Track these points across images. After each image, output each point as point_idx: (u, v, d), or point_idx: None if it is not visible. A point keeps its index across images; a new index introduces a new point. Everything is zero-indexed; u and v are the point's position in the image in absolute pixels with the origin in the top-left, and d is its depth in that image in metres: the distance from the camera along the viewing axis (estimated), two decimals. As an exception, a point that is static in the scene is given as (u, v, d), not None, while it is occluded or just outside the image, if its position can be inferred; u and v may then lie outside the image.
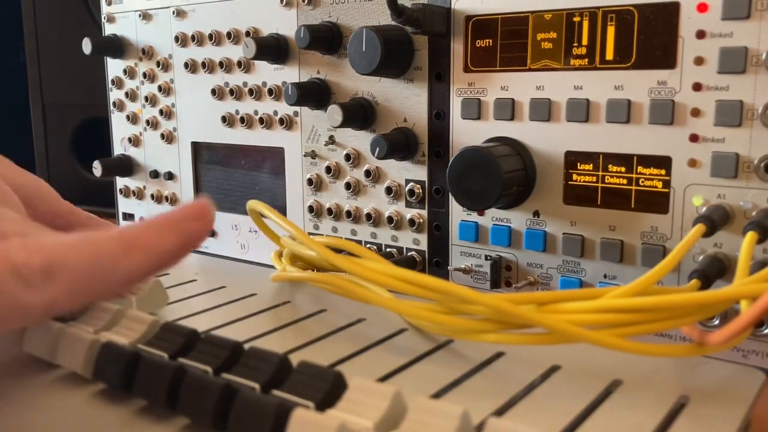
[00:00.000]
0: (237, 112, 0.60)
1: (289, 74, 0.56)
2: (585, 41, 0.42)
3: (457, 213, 0.48)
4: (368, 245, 0.53)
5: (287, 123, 0.56)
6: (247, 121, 0.59)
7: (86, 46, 0.66)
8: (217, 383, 0.26)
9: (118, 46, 0.67)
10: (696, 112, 0.39)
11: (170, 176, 0.66)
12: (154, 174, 0.68)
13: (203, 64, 0.61)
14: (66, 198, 0.40)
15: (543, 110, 0.43)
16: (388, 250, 0.52)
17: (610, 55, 0.41)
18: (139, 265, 0.27)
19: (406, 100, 0.50)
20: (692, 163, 0.39)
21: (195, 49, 0.62)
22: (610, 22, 0.41)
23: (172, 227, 0.28)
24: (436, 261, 0.50)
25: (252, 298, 0.44)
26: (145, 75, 0.66)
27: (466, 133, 0.47)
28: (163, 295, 0.42)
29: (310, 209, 0.56)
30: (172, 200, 0.66)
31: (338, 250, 0.39)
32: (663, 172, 0.40)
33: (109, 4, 0.68)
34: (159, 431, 0.28)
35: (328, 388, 0.26)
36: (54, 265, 0.25)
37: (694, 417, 0.28)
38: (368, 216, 0.53)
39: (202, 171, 0.64)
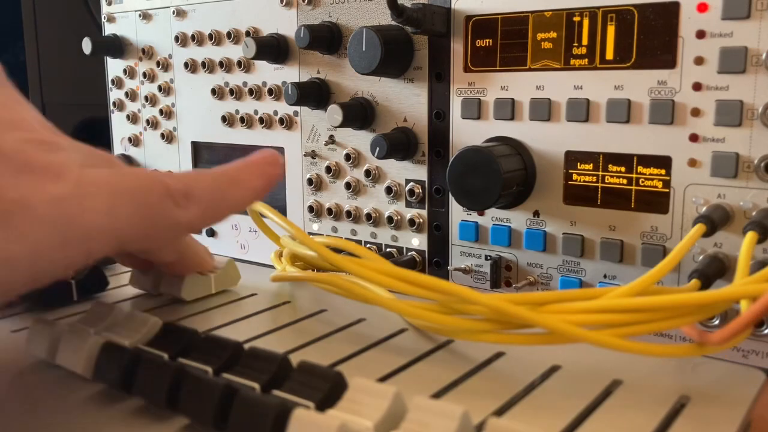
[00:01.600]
0: (237, 111, 0.60)
1: (289, 74, 0.56)
2: (585, 41, 0.42)
3: (457, 213, 0.48)
4: (368, 245, 0.53)
5: (287, 123, 0.56)
6: (247, 121, 0.59)
7: (86, 46, 0.66)
8: (217, 383, 0.26)
9: (118, 46, 0.67)
10: (696, 112, 0.39)
11: (170, 176, 0.66)
12: (154, 174, 0.67)
13: (203, 64, 0.61)
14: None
15: (543, 110, 0.43)
16: (388, 250, 0.52)
17: (610, 54, 0.41)
18: (241, 197, 0.34)
19: (406, 99, 0.50)
20: (692, 162, 0.39)
21: (195, 49, 0.62)
22: (610, 22, 0.41)
23: (259, 170, 0.35)
24: (436, 261, 0.50)
25: (252, 298, 0.44)
26: (145, 75, 0.66)
27: (466, 133, 0.47)
28: (236, 273, 0.46)
29: (310, 209, 0.56)
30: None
31: (338, 250, 0.39)
32: (663, 171, 0.40)
33: (109, 4, 0.68)
34: (159, 431, 0.28)
35: (328, 388, 0.26)
36: (191, 190, 0.31)
37: (694, 417, 0.28)
38: (368, 216, 0.53)
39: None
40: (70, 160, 0.27)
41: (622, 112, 0.41)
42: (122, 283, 0.47)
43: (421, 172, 0.50)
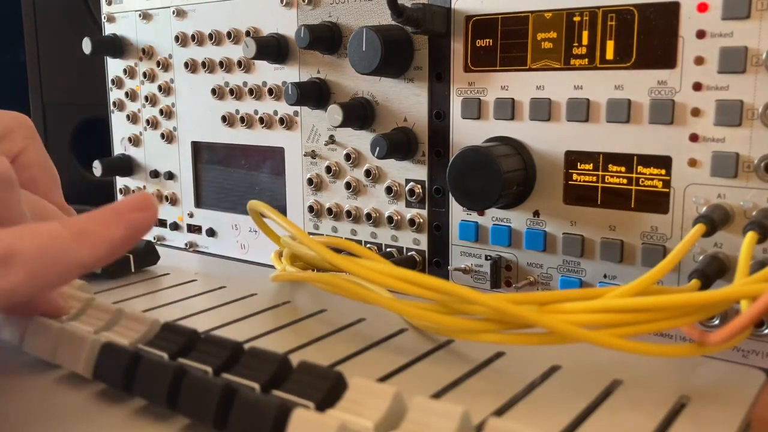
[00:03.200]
0: (237, 111, 0.60)
1: (289, 74, 0.56)
2: (585, 41, 0.42)
3: (457, 213, 0.48)
4: (368, 245, 0.53)
5: (287, 123, 0.56)
6: (247, 121, 0.59)
7: (86, 46, 0.66)
8: (217, 383, 0.26)
9: (118, 46, 0.67)
10: (696, 112, 0.39)
11: (170, 176, 0.66)
12: (154, 174, 0.68)
13: (203, 64, 0.61)
14: (66, 198, 0.40)
15: (543, 110, 0.43)
16: (388, 250, 0.52)
17: (610, 54, 0.41)
18: (89, 254, 0.28)
19: (406, 99, 0.50)
20: (692, 162, 0.39)
21: (195, 49, 0.62)
22: (610, 22, 0.41)
23: (119, 218, 0.30)
24: (436, 261, 0.50)
25: (252, 298, 0.44)
26: (145, 75, 0.66)
27: (466, 133, 0.47)
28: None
29: (310, 209, 0.56)
30: (173, 200, 0.66)
31: (338, 250, 0.39)
32: (663, 171, 0.40)
33: (109, 4, 0.68)
34: (159, 431, 0.28)
35: (328, 388, 0.26)
36: (12, 253, 0.26)
37: (694, 417, 0.28)
38: (368, 216, 0.53)
39: (202, 171, 0.64)
40: None
41: (622, 112, 0.41)
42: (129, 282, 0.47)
43: (421, 172, 0.50)
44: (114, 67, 0.69)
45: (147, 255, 0.52)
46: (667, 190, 0.40)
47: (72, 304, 0.36)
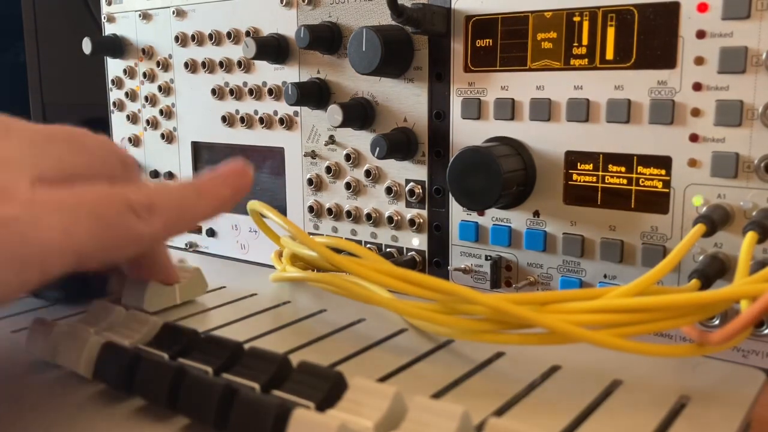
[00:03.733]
0: (237, 111, 0.60)
1: (289, 74, 0.56)
2: (585, 41, 0.42)
3: (457, 213, 0.48)
4: (368, 245, 0.53)
5: (287, 123, 0.56)
6: (247, 121, 0.59)
7: (86, 46, 0.66)
8: (217, 383, 0.26)
9: (118, 46, 0.67)
10: (696, 112, 0.39)
11: (170, 176, 0.66)
12: (154, 174, 0.68)
13: (203, 64, 0.61)
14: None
15: (543, 110, 0.43)
16: (388, 250, 0.52)
17: (610, 54, 0.41)
18: (207, 208, 0.34)
19: (406, 100, 0.50)
20: (692, 163, 0.39)
21: (195, 49, 0.62)
22: (610, 22, 0.41)
23: (226, 181, 0.35)
24: (436, 261, 0.50)
25: (252, 298, 0.44)
26: (145, 75, 0.66)
27: (466, 133, 0.47)
28: (203, 282, 0.44)
29: (310, 209, 0.56)
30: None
31: (338, 250, 0.39)
32: (663, 172, 0.40)
33: (109, 4, 0.68)
34: (159, 431, 0.28)
35: (328, 388, 0.26)
36: (154, 203, 0.31)
37: (694, 417, 0.28)
38: (368, 216, 0.53)
39: (202, 171, 0.64)
40: (19, 179, 0.27)
41: (622, 112, 0.41)
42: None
43: (421, 172, 0.50)
44: (114, 67, 0.69)
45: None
46: (667, 190, 0.40)
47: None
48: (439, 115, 0.48)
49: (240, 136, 0.60)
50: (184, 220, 0.34)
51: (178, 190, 0.34)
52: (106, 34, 0.68)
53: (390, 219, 0.51)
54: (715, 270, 0.37)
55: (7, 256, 0.25)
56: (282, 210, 0.58)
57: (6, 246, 0.25)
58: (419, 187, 0.50)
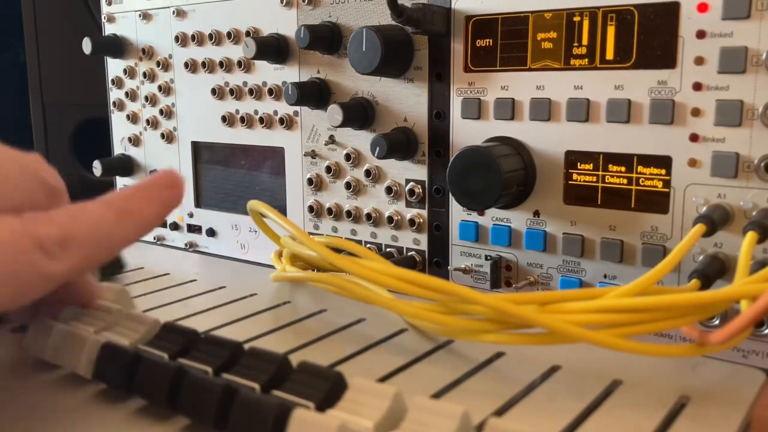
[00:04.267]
0: (237, 111, 0.60)
1: (289, 74, 0.56)
2: (585, 41, 0.42)
3: (457, 213, 0.48)
4: (368, 245, 0.53)
5: (287, 123, 0.56)
6: (247, 121, 0.59)
7: (86, 46, 0.66)
8: (217, 383, 0.26)
9: (118, 46, 0.67)
10: (696, 112, 0.39)
11: (170, 176, 0.66)
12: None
13: (203, 64, 0.61)
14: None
15: (543, 110, 0.43)
16: (388, 250, 0.52)
17: (610, 54, 0.41)
18: (130, 231, 0.30)
19: (406, 99, 0.50)
20: (692, 162, 0.39)
21: (195, 49, 0.62)
22: (610, 22, 0.41)
23: (151, 196, 0.31)
24: (436, 261, 0.50)
25: (252, 298, 0.44)
26: (145, 75, 0.66)
27: (466, 133, 0.47)
28: (129, 303, 0.39)
29: (310, 209, 0.56)
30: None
31: (338, 250, 0.39)
32: (663, 171, 0.40)
33: (109, 4, 0.68)
34: (159, 431, 0.28)
35: (328, 388, 0.26)
36: (67, 237, 0.27)
37: (694, 417, 0.28)
38: (368, 216, 0.53)
39: (202, 171, 0.64)
40: None
41: (622, 112, 0.41)
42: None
43: (421, 172, 0.50)
44: (114, 67, 0.69)
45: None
46: (667, 190, 0.40)
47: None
48: (439, 115, 0.48)
49: (240, 136, 0.60)
50: (103, 250, 0.30)
51: (99, 213, 0.29)
52: (106, 34, 0.68)
53: (390, 219, 0.51)
54: (715, 270, 0.37)
55: None
56: (282, 210, 0.58)
57: None
58: (419, 186, 0.50)
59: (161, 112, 0.65)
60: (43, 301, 0.35)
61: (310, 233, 0.56)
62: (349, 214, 0.54)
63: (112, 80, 0.69)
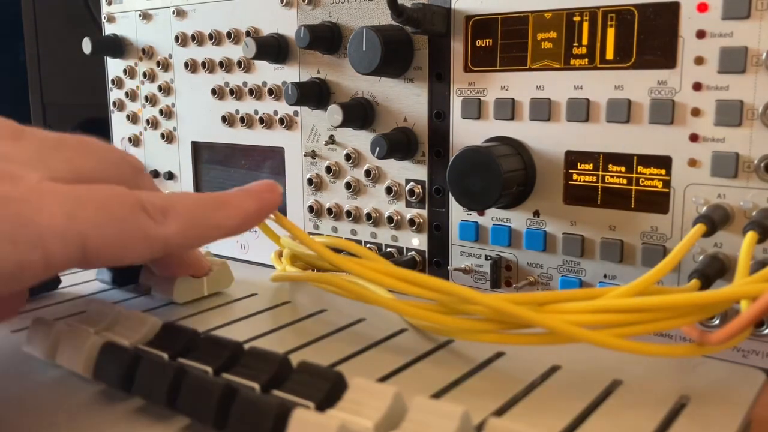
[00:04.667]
0: (237, 111, 0.60)
1: (289, 74, 0.56)
2: (585, 41, 0.42)
3: (457, 213, 0.48)
4: (368, 245, 0.53)
5: (287, 123, 0.56)
6: (247, 121, 0.59)
7: (86, 46, 0.66)
8: (217, 383, 0.26)
9: (118, 46, 0.67)
10: (696, 112, 0.39)
11: (170, 176, 0.66)
12: (154, 174, 0.68)
13: (203, 64, 0.61)
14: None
15: (543, 110, 0.43)
16: (388, 250, 0.52)
17: (610, 54, 0.41)
18: (228, 220, 0.33)
19: (406, 99, 0.50)
20: (692, 162, 0.39)
21: (195, 49, 0.62)
22: (610, 22, 0.41)
23: (253, 195, 0.35)
24: (436, 261, 0.50)
25: (252, 298, 0.44)
26: (145, 75, 0.66)
27: (466, 133, 0.47)
28: (230, 275, 0.45)
29: (310, 209, 0.56)
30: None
31: (338, 250, 0.39)
32: (663, 171, 0.40)
33: (109, 4, 0.68)
34: (159, 431, 0.28)
35: (328, 388, 0.26)
36: (169, 207, 0.30)
37: (694, 417, 0.28)
38: (368, 216, 0.53)
39: (202, 171, 0.64)
40: (29, 172, 0.27)
41: (622, 112, 0.41)
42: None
43: (421, 172, 0.50)
44: (114, 67, 0.69)
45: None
46: (667, 190, 0.40)
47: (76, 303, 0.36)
48: (439, 115, 0.48)
49: (240, 136, 0.60)
50: (204, 227, 0.32)
51: (198, 197, 0.33)
52: (106, 34, 0.68)
53: (390, 219, 0.51)
54: (715, 270, 0.37)
55: (4, 231, 0.25)
56: (282, 210, 0.58)
57: (3, 222, 0.25)
58: (419, 187, 0.50)
59: (161, 112, 0.65)
60: (159, 268, 0.41)
61: (310, 233, 0.56)
62: (349, 214, 0.54)
63: (112, 80, 0.69)
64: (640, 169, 0.41)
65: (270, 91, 0.57)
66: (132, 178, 0.33)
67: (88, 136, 0.34)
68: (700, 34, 0.38)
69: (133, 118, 0.68)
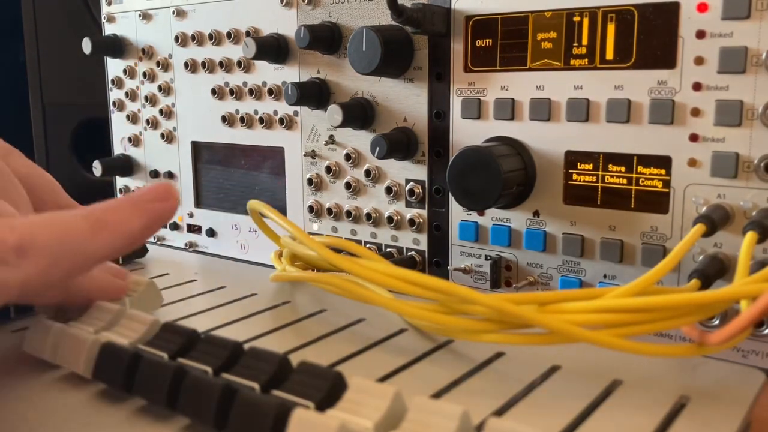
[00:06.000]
0: (237, 111, 0.60)
1: (289, 74, 0.56)
2: (585, 41, 0.42)
3: (457, 213, 0.48)
4: (368, 245, 0.53)
5: (287, 123, 0.56)
6: (247, 121, 0.59)
7: (86, 46, 0.66)
8: (217, 383, 0.26)
9: (118, 46, 0.67)
10: (696, 112, 0.39)
11: (170, 176, 0.66)
12: (154, 174, 0.68)
13: (203, 64, 0.61)
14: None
15: (543, 110, 0.43)
16: (388, 250, 0.52)
17: (610, 54, 0.41)
18: (106, 244, 0.28)
19: (406, 99, 0.50)
20: (692, 162, 0.39)
21: (195, 49, 0.62)
22: (610, 22, 0.41)
23: (138, 208, 0.29)
24: (436, 261, 0.50)
25: (252, 298, 0.44)
26: (145, 75, 0.66)
27: (466, 133, 0.47)
28: (157, 296, 0.41)
29: (310, 209, 0.56)
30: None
31: (338, 250, 0.39)
32: (663, 171, 0.40)
33: (109, 4, 0.68)
34: (159, 431, 0.28)
35: (328, 388, 0.26)
36: (26, 244, 0.25)
37: (694, 417, 0.28)
38: (368, 216, 0.53)
39: (202, 171, 0.64)
40: None
41: (622, 112, 0.41)
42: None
43: (421, 172, 0.50)
44: (114, 67, 0.69)
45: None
46: (667, 190, 0.40)
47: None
48: (439, 114, 0.48)
49: (240, 136, 0.60)
50: (72, 261, 0.27)
51: (67, 222, 0.28)
52: (106, 34, 0.68)
53: (390, 219, 0.51)
54: (715, 270, 0.37)
55: None
56: (282, 210, 0.57)
57: None
58: (419, 187, 0.50)
59: (161, 112, 0.65)
60: (69, 301, 0.35)
61: (310, 233, 0.56)
62: (349, 214, 0.54)
63: (112, 80, 0.69)
64: (640, 169, 0.41)
65: (270, 91, 0.57)
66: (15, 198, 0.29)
67: None
68: (700, 34, 0.38)
69: (133, 118, 0.68)
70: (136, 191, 0.30)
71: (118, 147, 0.71)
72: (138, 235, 0.29)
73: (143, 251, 0.50)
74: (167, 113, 0.65)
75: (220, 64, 0.60)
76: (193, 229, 0.65)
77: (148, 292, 0.40)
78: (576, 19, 0.42)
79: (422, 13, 0.44)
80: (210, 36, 0.60)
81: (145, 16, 0.65)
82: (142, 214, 0.29)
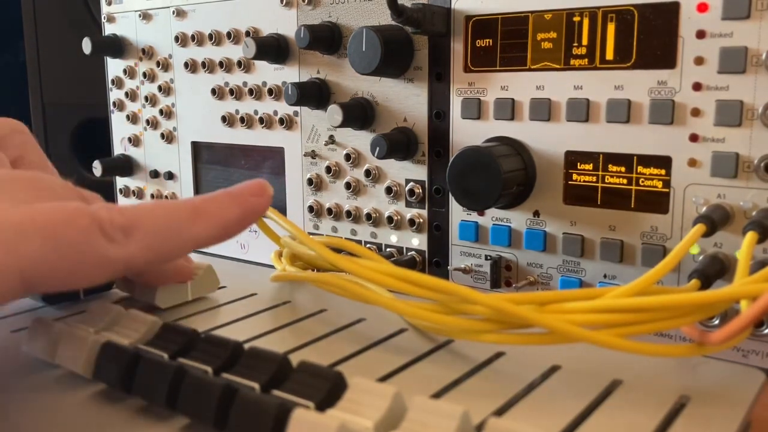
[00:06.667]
0: (237, 111, 0.60)
1: (289, 74, 0.56)
2: (585, 41, 0.42)
3: (457, 213, 0.48)
4: (368, 245, 0.53)
5: (287, 123, 0.56)
6: (247, 121, 0.59)
7: (86, 46, 0.66)
8: (217, 383, 0.26)
9: (118, 46, 0.67)
10: (696, 112, 0.39)
11: (170, 176, 0.66)
12: (154, 174, 0.68)
13: (203, 64, 0.61)
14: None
15: (543, 110, 0.43)
16: (388, 250, 0.52)
17: (610, 55, 0.41)
18: (204, 231, 0.30)
19: (406, 100, 0.50)
20: (692, 162, 0.39)
21: (195, 49, 0.62)
22: (610, 22, 0.41)
23: (235, 200, 0.32)
24: (436, 261, 0.50)
25: (252, 298, 0.44)
26: (145, 75, 0.66)
27: (466, 133, 0.47)
28: (215, 279, 0.44)
29: (310, 209, 0.56)
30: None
31: (338, 250, 0.39)
32: (663, 172, 0.40)
33: (109, 4, 0.68)
34: (159, 431, 0.28)
35: (328, 388, 0.26)
36: (132, 225, 0.28)
37: (694, 417, 0.28)
38: (368, 216, 0.53)
39: (202, 171, 0.64)
40: None
41: (622, 112, 0.41)
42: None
43: (421, 172, 0.50)
44: (114, 67, 0.69)
45: None
46: (667, 190, 0.40)
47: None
48: (439, 115, 0.48)
49: (240, 136, 0.60)
50: (173, 243, 0.30)
51: (169, 208, 0.30)
52: (106, 34, 0.68)
53: (390, 219, 0.51)
54: (715, 270, 0.37)
55: None
56: (282, 210, 0.58)
57: None
58: (419, 187, 0.50)
59: (161, 112, 0.65)
60: (137, 278, 0.39)
61: (310, 233, 0.56)
62: (349, 214, 0.54)
63: (112, 80, 0.69)
64: (640, 169, 0.41)
65: (270, 91, 0.57)
66: (91, 196, 0.31)
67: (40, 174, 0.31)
68: (700, 34, 0.38)
69: (133, 118, 0.68)
70: (234, 186, 0.32)
71: (118, 147, 0.71)
72: (234, 225, 0.31)
73: (109, 286, 0.48)
74: (167, 113, 0.65)
75: (220, 64, 0.60)
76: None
77: (207, 275, 0.43)
78: (576, 19, 0.42)
79: (422, 13, 0.44)
80: (210, 36, 0.60)
81: (145, 16, 0.65)
82: (238, 206, 0.31)
